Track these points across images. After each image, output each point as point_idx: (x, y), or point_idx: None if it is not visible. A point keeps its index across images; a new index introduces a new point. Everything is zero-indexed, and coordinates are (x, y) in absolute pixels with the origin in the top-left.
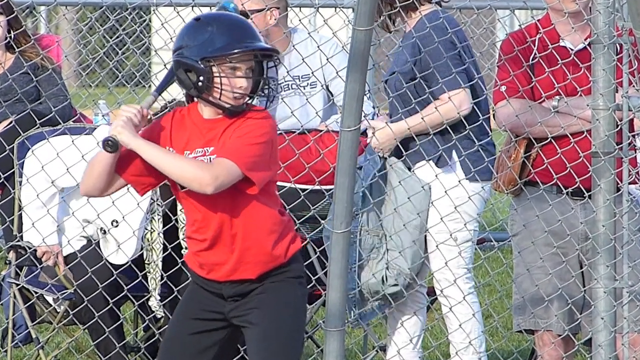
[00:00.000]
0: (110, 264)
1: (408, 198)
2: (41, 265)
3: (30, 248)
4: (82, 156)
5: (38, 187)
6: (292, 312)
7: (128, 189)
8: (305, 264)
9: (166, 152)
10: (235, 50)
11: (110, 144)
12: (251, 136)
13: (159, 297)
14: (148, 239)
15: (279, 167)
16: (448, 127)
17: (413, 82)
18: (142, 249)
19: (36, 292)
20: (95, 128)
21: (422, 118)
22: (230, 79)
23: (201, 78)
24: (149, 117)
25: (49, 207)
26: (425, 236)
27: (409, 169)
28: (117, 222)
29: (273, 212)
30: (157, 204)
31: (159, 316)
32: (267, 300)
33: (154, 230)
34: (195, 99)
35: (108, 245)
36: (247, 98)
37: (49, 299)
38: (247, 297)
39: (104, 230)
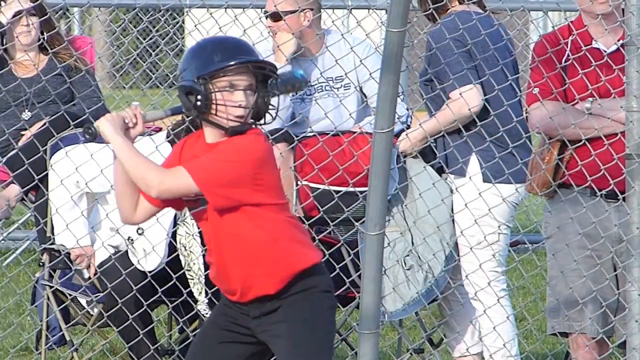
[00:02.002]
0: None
1: (442, 200)
2: (75, 268)
3: (63, 251)
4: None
5: (66, 190)
6: (320, 324)
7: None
8: (339, 265)
9: (133, 150)
10: (231, 63)
11: (89, 132)
12: (224, 153)
13: (206, 300)
14: (184, 245)
15: (268, 189)
16: (482, 130)
17: (428, 82)
18: (170, 254)
19: (70, 295)
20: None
21: (456, 117)
22: (226, 96)
23: (198, 97)
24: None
25: (77, 209)
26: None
27: (441, 172)
28: (142, 229)
29: (274, 225)
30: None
31: None
32: (293, 313)
33: (189, 234)
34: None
35: (136, 253)
36: (249, 118)
37: (83, 301)
38: (273, 313)
39: (131, 239)
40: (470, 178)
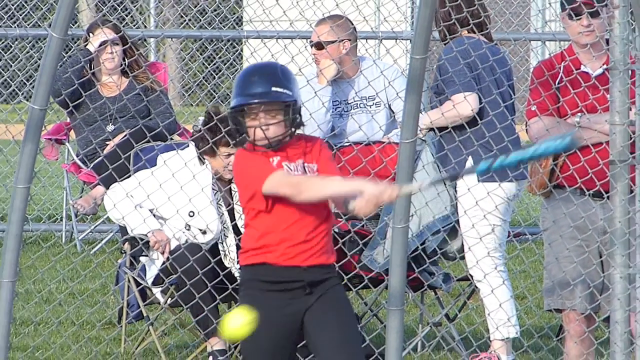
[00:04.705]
0: (208, 256)
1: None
2: (147, 258)
3: (142, 240)
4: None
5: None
6: (352, 313)
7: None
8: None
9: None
10: (237, 104)
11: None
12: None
13: (236, 259)
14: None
15: None
16: (490, 141)
17: (438, 96)
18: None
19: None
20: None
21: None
22: (251, 124)
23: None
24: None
25: (145, 209)
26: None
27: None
28: (193, 212)
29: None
30: (219, 192)
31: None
32: (339, 287)
33: (222, 214)
34: None
35: (194, 234)
36: (282, 138)
37: (156, 291)
38: (320, 286)
39: (188, 226)
40: (478, 180)
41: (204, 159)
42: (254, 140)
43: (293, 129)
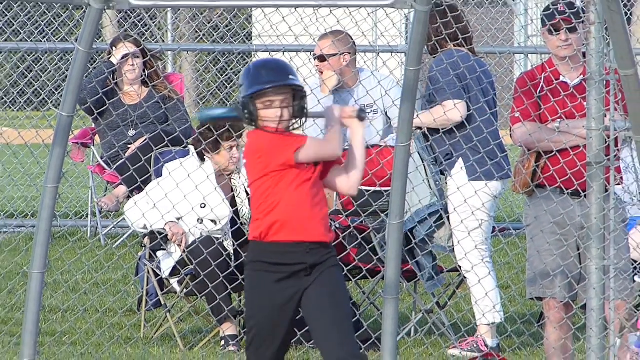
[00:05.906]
0: (220, 249)
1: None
2: (169, 250)
3: (161, 234)
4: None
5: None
6: (346, 292)
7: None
8: (369, 246)
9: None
10: (262, 87)
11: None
12: None
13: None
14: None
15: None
16: (478, 145)
17: (429, 104)
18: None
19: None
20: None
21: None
22: (267, 110)
23: (246, 111)
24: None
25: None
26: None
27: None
28: (204, 204)
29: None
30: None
31: None
32: (337, 267)
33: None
34: None
35: (207, 226)
36: (290, 123)
37: (173, 281)
38: (318, 266)
39: (201, 220)
40: (470, 181)
41: (204, 158)
42: (278, 121)
43: (304, 117)
